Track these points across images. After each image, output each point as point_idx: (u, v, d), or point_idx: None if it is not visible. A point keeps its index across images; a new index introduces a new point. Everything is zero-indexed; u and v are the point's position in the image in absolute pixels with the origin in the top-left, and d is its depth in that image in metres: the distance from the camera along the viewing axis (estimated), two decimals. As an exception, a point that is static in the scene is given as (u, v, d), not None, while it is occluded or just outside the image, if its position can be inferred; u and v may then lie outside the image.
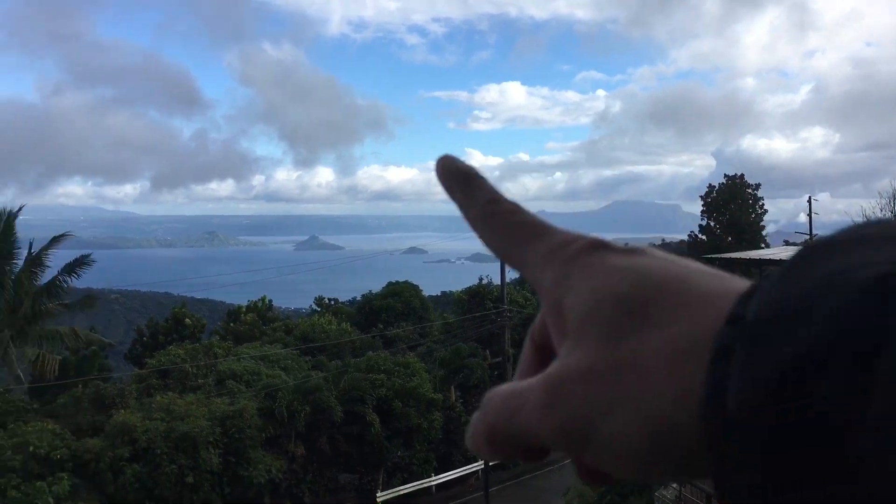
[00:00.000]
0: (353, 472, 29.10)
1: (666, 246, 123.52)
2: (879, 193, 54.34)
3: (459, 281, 68.13)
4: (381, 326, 41.20)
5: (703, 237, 59.04)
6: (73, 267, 28.16)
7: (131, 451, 22.00)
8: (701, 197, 59.71)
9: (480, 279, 45.80)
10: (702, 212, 59.58)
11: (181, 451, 22.56)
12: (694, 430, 0.43)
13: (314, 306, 50.92)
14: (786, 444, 0.39)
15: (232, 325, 40.60)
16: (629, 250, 0.51)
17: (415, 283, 48.28)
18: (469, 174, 0.58)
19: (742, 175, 59.56)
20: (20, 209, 27.89)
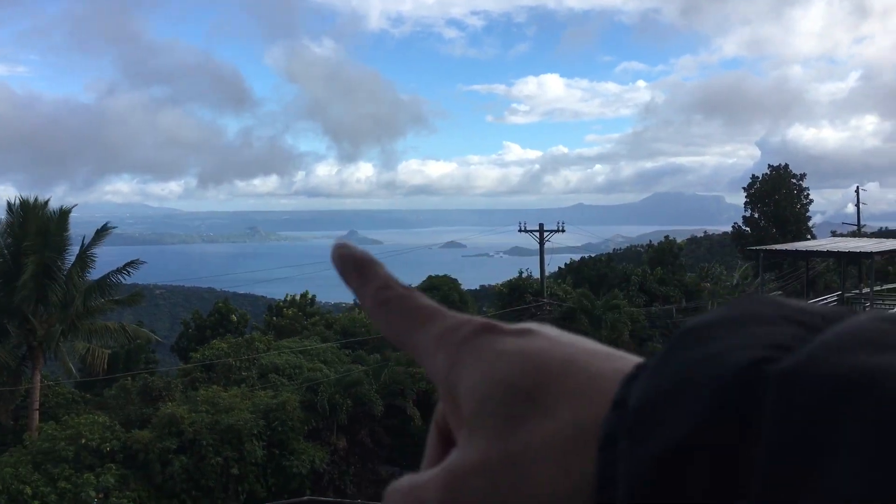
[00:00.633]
0: (395, 465, 29.34)
1: (709, 238, 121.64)
2: (930, 183, 53.12)
3: (499, 274, 68.08)
4: (421, 320, 41.32)
5: (747, 229, 58.11)
6: (125, 268, 28.86)
7: (178, 442, 22.44)
8: (744, 188, 58.82)
9: (520, 272, 45.72)
10: (745, 203, 58.65)
11: (226, 442, 22.97)
12: None
13: (356, 301, 51.22)
14: None
15: (274, 319, 41.09)
16: (518, 331, 0.50)
17: (454, 277, 48.35)
18: (363, 260, 0.57)
19: (787, 165, 58.51)
20: (73, 207, 28.57)
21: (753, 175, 59.15)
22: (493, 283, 57.11)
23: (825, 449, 0.36)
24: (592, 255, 59.05)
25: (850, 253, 29.76)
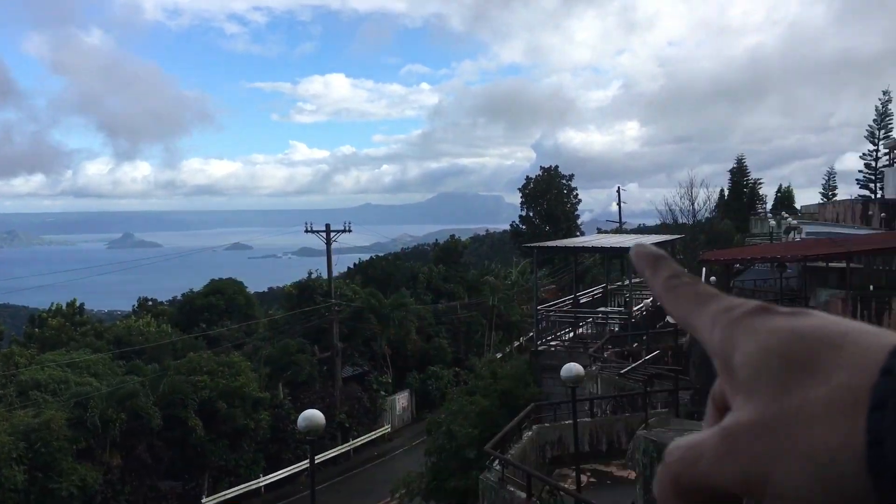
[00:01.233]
0: (176, 479, 27.93)
1: (490, 236, 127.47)
2: (679, 183, 59.28)
3: (287, 276, 66.83)
4: (204, 326, 39.75)
5: (523, 227, 61.60)
6: None
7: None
8: (520, 189, 62.22)
9: (309, 273, 45.35)
10: (521, 203, 62.12)
11: (-22, 470, 20.73)
12: (861, 477, 0.50)
13: (136, 308, 48.32)
14: None
15: (37, 330, 37.67)
16: (791, 313, 0.57)
17: (239, 279, 47.07)
18: (656, 255, 0.68)
19: (557, 167, 62.64)
20: None
21: (528, 176, 62.82)
22: (281, 285, 56.08)
23: None
24: (381, 255, 59.81)
25: (612, 248, 32.35)
